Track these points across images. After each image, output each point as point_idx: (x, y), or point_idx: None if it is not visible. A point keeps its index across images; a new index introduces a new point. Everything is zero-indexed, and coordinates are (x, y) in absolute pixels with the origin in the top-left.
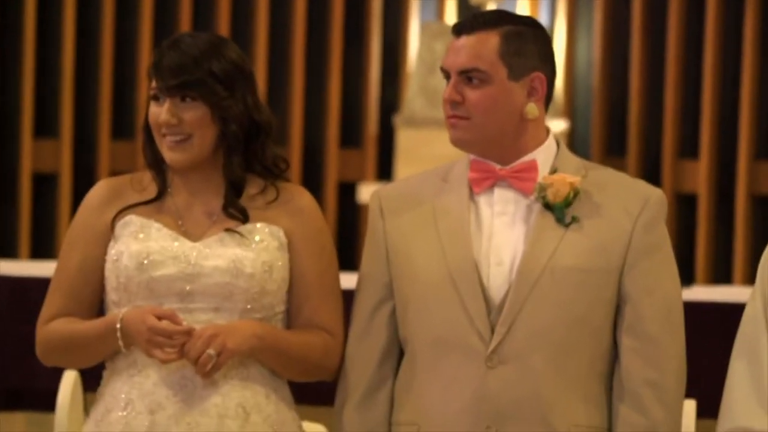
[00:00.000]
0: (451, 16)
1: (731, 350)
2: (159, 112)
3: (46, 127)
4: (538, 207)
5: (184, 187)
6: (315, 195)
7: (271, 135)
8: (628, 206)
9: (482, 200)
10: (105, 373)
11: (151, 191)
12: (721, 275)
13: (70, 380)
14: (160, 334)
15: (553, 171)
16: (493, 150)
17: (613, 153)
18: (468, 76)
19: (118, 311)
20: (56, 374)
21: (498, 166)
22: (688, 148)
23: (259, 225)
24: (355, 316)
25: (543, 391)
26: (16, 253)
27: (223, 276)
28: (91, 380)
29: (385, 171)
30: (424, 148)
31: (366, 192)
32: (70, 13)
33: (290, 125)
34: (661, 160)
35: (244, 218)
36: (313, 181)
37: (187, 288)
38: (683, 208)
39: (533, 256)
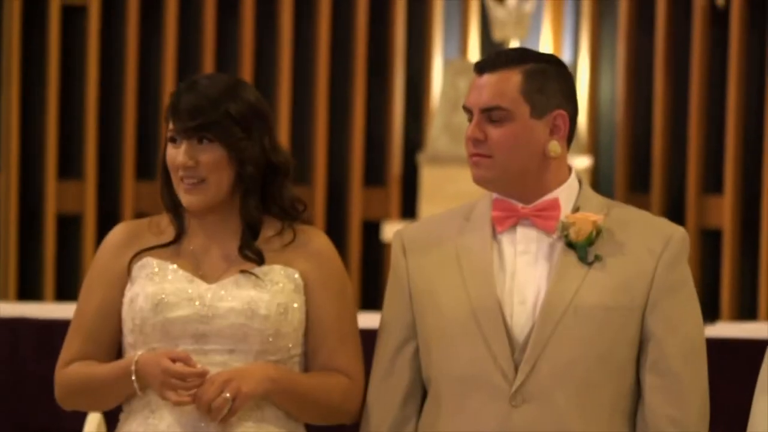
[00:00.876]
0: (474, 53)
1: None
2: (176, 154)
3: (70, 168)
4: (560, 245)
5: (201, 229)
6: (339, 234)
7: (288, 176)
8: (651, 245)
9: (505, 239)
10: (121, 415)
11: (169, 234)
12: (747, 311)
13: (94, 421)
14: (175, 377)
15: (576, 209)
16: (516, 188)
17: (636, 189)
18: (490, 114)
19: (133, 354)
20: (81, 416)
21: (520, 205)
22: (712, 184)
23: (275, 267)
24: (377, 357)
25: (567, 430)
26: (40, 295)
27: (238, 317)
28: (115, 421)
29: (409, 209)
30: (449, 186)
31: (390, 230)
32: (94, 55)
33: (314, 164)
34: (685, 196)
35: (260, 260)
36: (337, 219)
37: (202, 329)
38: (708, 243)
39: (556, 294)
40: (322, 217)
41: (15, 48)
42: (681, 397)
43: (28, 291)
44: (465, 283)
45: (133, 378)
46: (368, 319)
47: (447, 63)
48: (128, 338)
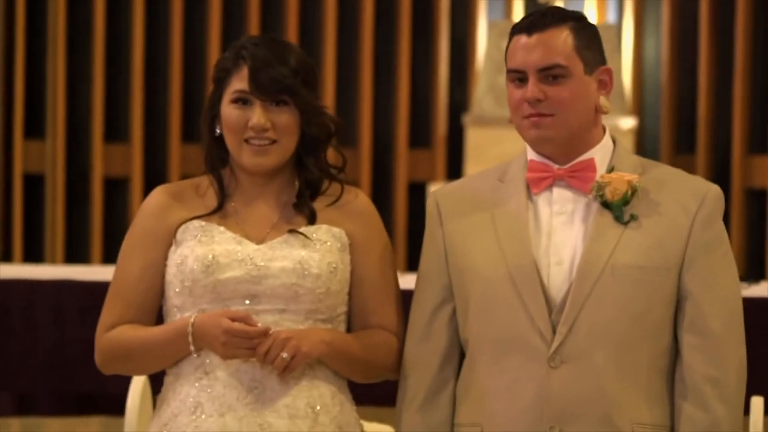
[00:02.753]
0: (518, 15)
1: None
2: (246, 116)
3: (116, 131)
4: (596, 205)
5: (243, 190)
6: (385, 195)
7: (336, 137)
8: (686, 203)
9: (540, 200)
10: (167, 379)
11: (211, 195)
12: None
13: (139, 384)
14: (237, 335)
15: (611, 169)
16: (568, 146)
17: (682, 150)
18: (550, 73)
19: (188, 316)
20: (125, 380)
21: (556, 166)
22: (758, 144)
23: (322, 227)
24: (413, 319)
25: (606, 390)
26: (88, 258)
27: (290, 277)
28: (159, 384)
29: (454, 170)
30: (494, 147)
31: None
32: (139, 20)
33: (360, 127)
34: (730, 157)
35: (311, 220)
36: (383, 181)
37: (254, 290)
38: (754, 203)
39: (593, 254)
40: (368, 179)
41: (61, 15)
42: (719, 357)
43: (76, 254)
44: (500, 245)
45: (190, 339)
46: (413, 281)
47: (491, 25)
48: (175, 300)
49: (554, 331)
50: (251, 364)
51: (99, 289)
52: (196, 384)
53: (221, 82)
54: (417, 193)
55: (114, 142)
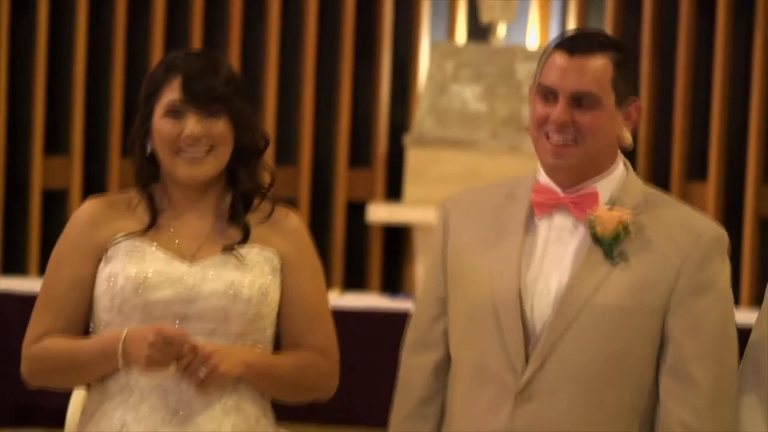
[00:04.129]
0: (461, 35)
1: None
2: (179, 127)
3: (56, 144)
4: (589, 240)
5: (177, 205)
6: (324, 215)
7: (264, 153)
8: (680, 242)
9: (542, 224)
10: (92, 396)
11: (142, 211)
12: None
13: (79, 397)
14: (168, 341)
15: (612, 202)
16: (581, 173)
17: None
18: (581, 99)
19: (119, 330)
20: (66, 393)
21: (561, 192)
22: (696, 170)
23: (254, 248)
24: (412, 327)
25: (568, 430)
26: (25, 270)
27: (220, 300)
28: None
29: (394, 191)
30: (434, 168)
31: (375, 212)
32: (82, 33)
33: (300, 145)
34: (669, 182)
35: (245, 236)
36: (322, 200)
37: (184, 311)
38: None
39: (575, 290)
40: (307, 198)
41: (3, 25)
42: (698, 404)
43: (13, 266)
44: (491, 268)
45: (120, 350)
46: (351, 300)
47: (434, 45)
48: (103, 316)
49: (527, 365)
50: (177, 385)
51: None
52: (123, 403)
53: (151, 97)
54: (356, 212)
55: (54, 154)
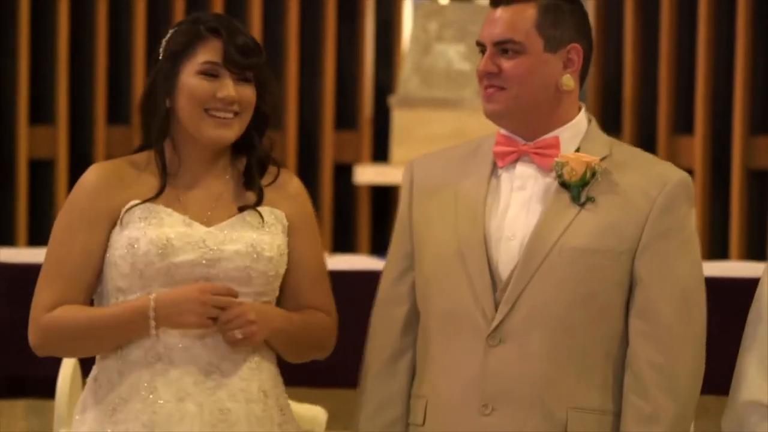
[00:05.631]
0: None
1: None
2: (215, 87)
3: (41, 113)
4: (556, 185)
5: (189, 167)
6: (311, 177)
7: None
8: (648, 188)
9: (504, 175)
10: (107, 363)
11: (150, 173)
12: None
13: (69, 366)
14: (218, 293)
15: (577, 149)
16: (525, 123)
17: (608, 130)
18: (503, 47)
19: (144, 296)
20: (54, 361)
21: (522, 142)
22: (683, 124)
23: (265, 209)
24: (381, 284)
25: (539, 372)
26: (13, 240)
27: (243, 260)
28: (89, 365)
29: (380, 152)
30: (420, 129)
31: (362, 173)
32: (64, 0)
33: (286, 109)
34: (656, 136)
35: (259, 200)
36: (309, 163)
37: (207, 273)
38: None
39: (543, 234)
40: (294, 161)
41: None
42: (666, 343)
43: (1, 237)
44: (456, 219)
45: (152, 315)
46: (339, 262)
47: (417, 6)
48: (119, 282)
49: (496, 310)
50: (206, 348)
51: (25, 271)
52: (149, 368)
53: (180, 54)
54: (343, 174)
55: (39, 124)
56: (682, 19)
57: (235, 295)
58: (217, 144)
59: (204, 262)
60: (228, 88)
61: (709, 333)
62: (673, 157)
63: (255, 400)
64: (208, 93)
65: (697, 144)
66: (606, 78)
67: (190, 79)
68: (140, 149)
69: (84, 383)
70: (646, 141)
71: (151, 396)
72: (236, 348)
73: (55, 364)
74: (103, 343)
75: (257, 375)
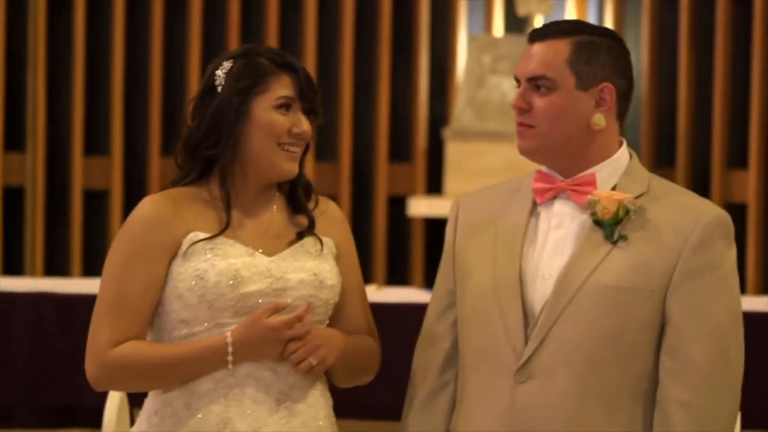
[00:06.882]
0: (498, 29)
1: None
2: (291, 121)
3: (96, 144)
4: (590, 222)
5: (244, 199)
6: (365, 209)
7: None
8: (681, 225)
9: (543, 212)
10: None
11: (203, 202)
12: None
13: (116, 397)
14: (284, 327)
15: (614, 187)
16: (559, 160)
17: (661, 164)
18: (536, 83)
19: (220, 334)
20: (102, 393)
21: (560, 179)
22: (737, 158)
23: (321, 237)
24: (425, 321)
25: (567, 409)
26: (67, 270)
27: (308, 289)
28: (137, 396)
29: (434, 184)
30: (474, 161)
31: (416, 206)
32: (120, 32)
33: (340, 141)
34: (710, 170)
35: (310, 226)
36: (363, 195)
37: (275, 303)
38: (733, 217)
39: (574, 271)
40: (348, 193)
41: (41, 27)
42: (695, 382)
43: (55, 267)
44: (495, 256)
45: (230, 351)
46: (393, 294)
47: (471, 38)
48: (183, 314)
49: (526, 346)
50: (276, 376)
51: (78, 302)
52: (221, 400)
53: (252, 89)
54: (397, 206)
55: (94, 155)
56: (736, 53)
57: (302, 319)
58: (288, 177)
59: (271, 291)
60: (304, 123)
61: (761, 367)
62: (726, 192)
63: (323, 428)
64: (285, 127)
65: (751, 178)
66: (660, 112)
67: (267, 113)
68: (180, 180)
69: (132, 414)
70: (700, 175)
71: (226, 428)
72: (307, 375)
73: (102, 394)
74: (175, 381)
75: (322, 402)
